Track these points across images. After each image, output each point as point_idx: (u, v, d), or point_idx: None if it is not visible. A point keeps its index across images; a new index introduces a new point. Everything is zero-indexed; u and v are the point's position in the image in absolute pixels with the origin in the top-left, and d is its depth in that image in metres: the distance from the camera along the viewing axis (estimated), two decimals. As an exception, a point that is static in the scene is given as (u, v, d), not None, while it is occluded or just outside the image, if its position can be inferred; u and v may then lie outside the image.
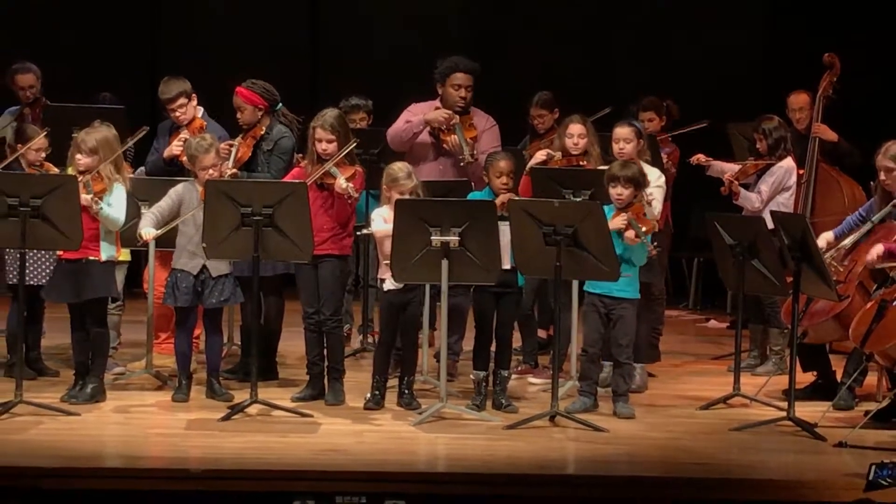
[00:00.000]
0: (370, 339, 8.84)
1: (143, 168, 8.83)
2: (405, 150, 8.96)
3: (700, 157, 9.37)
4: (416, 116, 8.92)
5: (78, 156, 7.55)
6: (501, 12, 13.02)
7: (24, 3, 12.47)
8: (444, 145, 8.86)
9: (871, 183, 8.14)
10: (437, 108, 8.91)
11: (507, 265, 7.45)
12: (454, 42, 11.36)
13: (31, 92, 9.34)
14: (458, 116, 8.81)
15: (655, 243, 7.62)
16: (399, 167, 7.78)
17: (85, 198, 7.36)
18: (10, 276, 7.63)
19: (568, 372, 8.09)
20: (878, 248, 7.48)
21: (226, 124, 8.69)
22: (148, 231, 7.55)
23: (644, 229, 7.50)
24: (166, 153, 8.52)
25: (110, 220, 7.51)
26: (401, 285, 7.57)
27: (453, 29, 12.75)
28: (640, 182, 7.67)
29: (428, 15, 12.93)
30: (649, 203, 7.79)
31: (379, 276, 7.84)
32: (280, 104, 8.55)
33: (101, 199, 7.45)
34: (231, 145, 8.43)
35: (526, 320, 8.68)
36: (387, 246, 7.48)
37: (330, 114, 7.92)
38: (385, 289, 7.67)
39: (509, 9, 13.01)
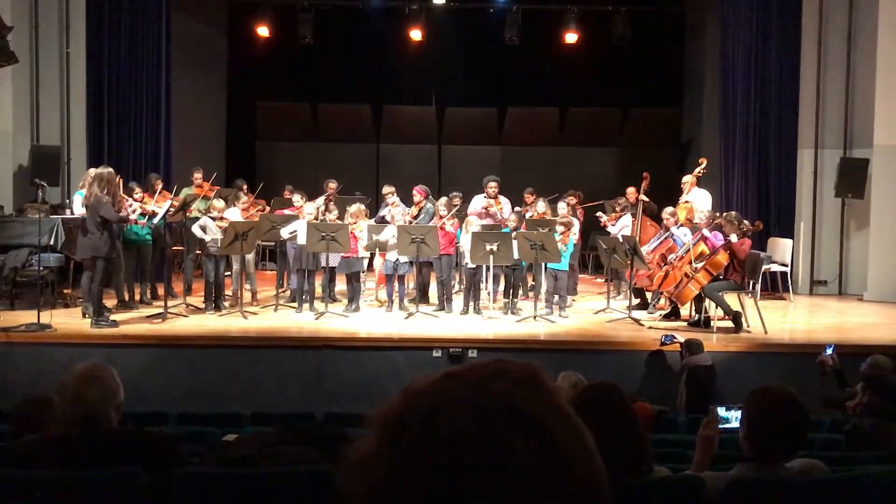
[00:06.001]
0: (461, 287, 9.02)
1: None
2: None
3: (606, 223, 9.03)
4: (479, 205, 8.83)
5: (350, 219, 7.92)
6: (519, 161, 13.03)
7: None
8: (489, 210, 8.92)
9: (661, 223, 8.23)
10: (485, 197, 8.87)
11: (516, 257, 7.62)
12: (494, 166, 11.48)
13: (332, 191, 9.45)
14: (493, 200, 8.84)
15: (567, 247, 7.65)
16: (473, 218, 8.08)
17: (357, 237, 7.72)
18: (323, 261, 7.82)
19: (541, 300, 8.15)
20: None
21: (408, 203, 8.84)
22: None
23: (564, 242, 7.65)
24: (381, 214, 8.86)
25: (363, 244, 7.88)
26: (474, 266, 7.75)
27: (495, 161, 12.76)
28: (568, 226, 7.88)
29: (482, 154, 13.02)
30: (574, 234, 7.98)
31: (464, 262, 8.04)
32: (430, 195, 8.69)
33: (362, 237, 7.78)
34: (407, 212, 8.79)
35: (524, 279, 8.77)
36: (468, 251, 7.73)
37: (442, 199, 8.23)
38: (468, 266, 7.89)
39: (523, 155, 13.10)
